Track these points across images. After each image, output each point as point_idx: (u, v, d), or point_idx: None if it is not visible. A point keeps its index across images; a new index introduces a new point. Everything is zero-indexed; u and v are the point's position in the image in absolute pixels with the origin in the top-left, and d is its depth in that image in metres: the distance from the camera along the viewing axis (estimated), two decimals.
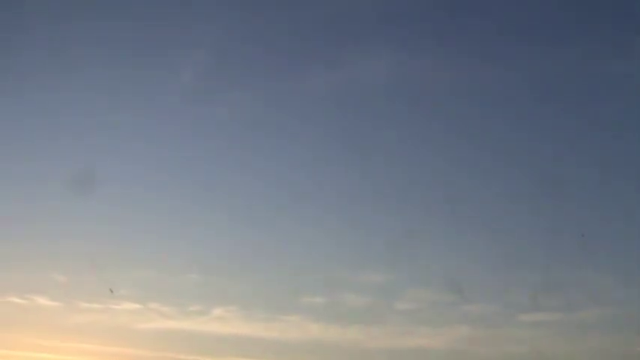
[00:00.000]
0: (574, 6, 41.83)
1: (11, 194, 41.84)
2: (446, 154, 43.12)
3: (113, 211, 42.70)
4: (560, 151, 41.46)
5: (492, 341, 36.93)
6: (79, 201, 41.12)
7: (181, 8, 44.04)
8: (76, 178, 40.22)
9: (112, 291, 36.89)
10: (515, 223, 40.63)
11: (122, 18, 43.72)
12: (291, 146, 44.92)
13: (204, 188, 44.25)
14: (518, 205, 40.77)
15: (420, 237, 38.82)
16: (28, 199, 41.63)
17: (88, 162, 42.11)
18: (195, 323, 39.39)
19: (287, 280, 40.12)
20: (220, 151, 45.02)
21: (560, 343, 36.76)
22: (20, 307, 38.92)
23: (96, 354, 38.62)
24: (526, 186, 40.82)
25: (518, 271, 37.98)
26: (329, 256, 40.24)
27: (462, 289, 37.61)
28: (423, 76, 42.27)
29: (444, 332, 38.10)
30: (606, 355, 35.86)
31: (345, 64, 43.32)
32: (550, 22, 41.92)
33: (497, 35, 42.40)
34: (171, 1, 44.75)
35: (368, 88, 43.11)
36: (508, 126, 43.82)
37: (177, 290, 40.43)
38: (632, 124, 41.08)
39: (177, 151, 45.10)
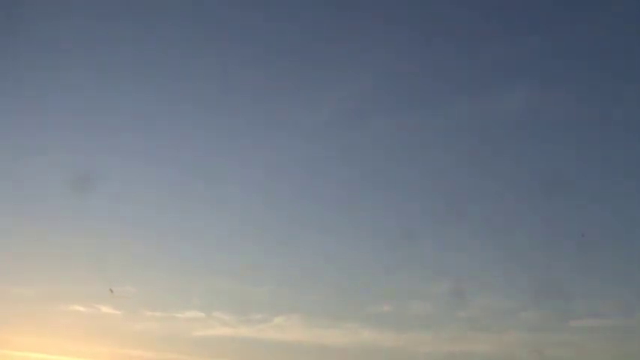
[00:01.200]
0: None
1: (81, 210, 42.66)
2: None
3: (194, 227, 44.26)
4: None
5: (545, 346, 38.08)
6: (162, 216, 43.45)
7: (335, 41, 46.29)
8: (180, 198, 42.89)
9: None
10: (569, 233, 41.66)
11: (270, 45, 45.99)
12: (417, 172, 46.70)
13: (294, 209, 46.13)
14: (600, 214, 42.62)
15: (481, 251, 41.23)
16: (96, 214, 42.78)
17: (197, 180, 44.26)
18: (255, 331, 40.14)
19: (356, 290, 41.07)
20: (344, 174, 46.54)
21: (612, 349, 37.66)
22: (84, 316, 40.11)
23: None
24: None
25: (571, 279, 39.46)
26: (400, 268, 41.21)
27: (517, 297, 39.59)
28: (557, 109, 44.97)
29: (499, 338, 39.33)
30: None
31: (487, 96, 46.10)
32: None
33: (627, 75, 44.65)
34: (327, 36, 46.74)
35: (504, 119, 45.76)
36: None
37: (243, 300, 41.21)
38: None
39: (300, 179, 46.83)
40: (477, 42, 45.65)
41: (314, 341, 39.69)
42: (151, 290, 40.82)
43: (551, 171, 43.52)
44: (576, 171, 44.51)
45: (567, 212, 42.58)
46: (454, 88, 46.47)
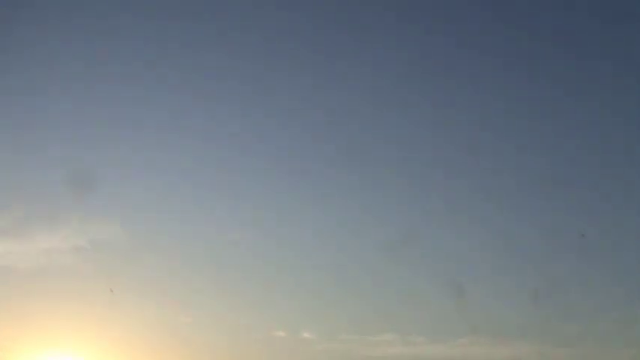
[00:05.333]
0: None
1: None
2: None
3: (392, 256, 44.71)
4: None
5: None
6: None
7: None
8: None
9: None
10: None
11: None
12: None
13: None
14: None
15: None
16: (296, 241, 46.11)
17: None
18: (442, 349, 42.58)
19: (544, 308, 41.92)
20: None
21: None
22: (284, 341, 43.43)
23: None
24: None
25: None
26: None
27: None
28: None
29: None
30: None
31: None
32: None
33: None
34: None
35: None
36: None
37: (435, 322, 43.59)
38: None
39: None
40: None
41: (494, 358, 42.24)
42: (349, 315, 43.98)
43: None
44: None
45: None
46: None
